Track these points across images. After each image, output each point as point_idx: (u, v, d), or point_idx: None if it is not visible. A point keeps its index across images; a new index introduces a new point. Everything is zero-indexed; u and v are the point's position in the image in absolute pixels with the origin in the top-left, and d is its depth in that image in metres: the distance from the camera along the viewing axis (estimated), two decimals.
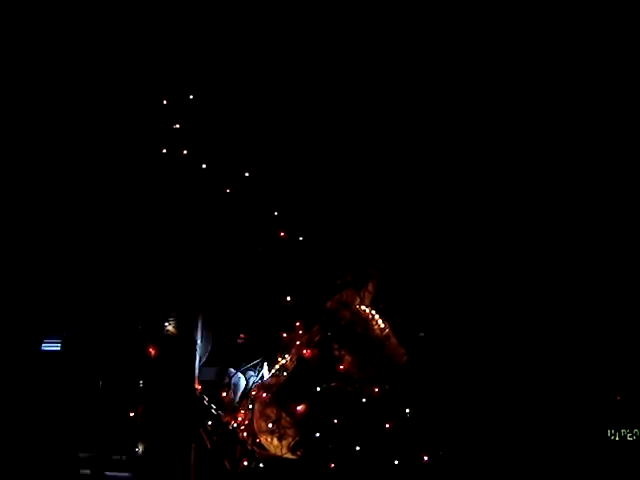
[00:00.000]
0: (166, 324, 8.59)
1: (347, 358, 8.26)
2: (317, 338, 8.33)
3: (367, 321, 8.38)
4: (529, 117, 8.92)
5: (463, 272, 8.72)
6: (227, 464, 8.13)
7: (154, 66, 8.94)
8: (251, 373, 8.53)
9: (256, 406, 8.25)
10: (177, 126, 8.76)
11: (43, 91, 8.97)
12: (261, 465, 8.03)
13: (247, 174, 8.68)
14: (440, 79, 8.97)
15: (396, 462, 7.88)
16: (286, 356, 8.36)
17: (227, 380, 8.48)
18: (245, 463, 8.06)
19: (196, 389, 8.39)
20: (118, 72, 8.93)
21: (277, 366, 8.35)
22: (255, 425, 8.22)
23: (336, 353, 8.26)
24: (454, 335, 8.45)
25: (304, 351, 8.24)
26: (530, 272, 8.74)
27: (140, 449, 8.25)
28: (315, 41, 9.02)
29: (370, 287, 8.47)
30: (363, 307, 8.46)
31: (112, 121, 8.93)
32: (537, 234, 8.84)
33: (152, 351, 8.40)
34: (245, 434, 8.23)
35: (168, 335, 8.57)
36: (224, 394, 8.33)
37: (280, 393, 8.17)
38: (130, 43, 8.96)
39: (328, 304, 8.43)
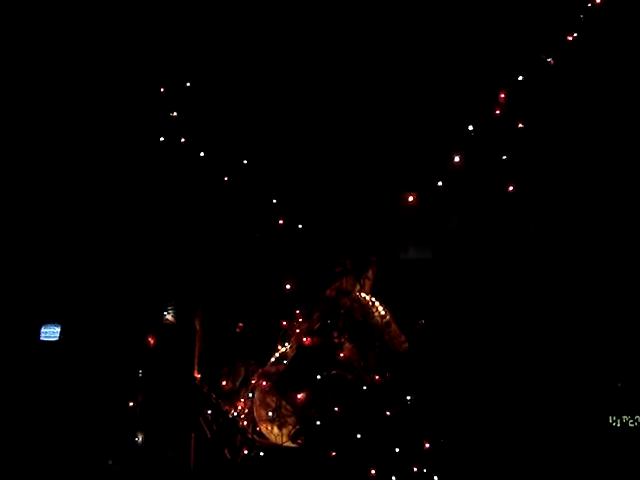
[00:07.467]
0: (165, 313, 8.57)
1: (347, 346, 8.27)
2: (317, 326, 8.34)
3: (367, 308, 8.38)
4: (528, 113, 8.87)
5: (462, 259, 8.69)
6: (227, 453, 8.10)
7: (151, 54, 8.87)
8: None
9: (256, 394, 8.26)
10: (174, 114, 8.73)
11: (35, 74, 8.88)
12: (261, 454, 7.99)
13: (245, 162, 8.66)
14: (437, 65, 8.92)
15: (397, 450, 7.86)
16: (286, 344, 8.37)
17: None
18: (245, 452, 8.03)
19: (195, 378, 8.37)
20: (115, 60, 8.86)
21: (277, 354, 8.34)
22: (255, 413, 8.24)
23: (336, 341, 8.27)
24: (454, 322, 8.41)
25: (304, 339, 8.25)
26: (530, 257, 8.70)
27: (140, 439, 8.23)
28: (312, 25, 8.96)
29: (370, 274, 8.47)
30: (363, 294, 8.46)
31: (108, 110, 8.87)
32: (537, 219, 8.79)
33: (151, 340, 8.38)
34: (245, 423, 8.24)
35: (167, 324, 8.55)
36: (224, 382, 8.30)
37: (280, 381, 8.19)
38: (127, 31, 8.88)
39: (328, 292, 8.44)
